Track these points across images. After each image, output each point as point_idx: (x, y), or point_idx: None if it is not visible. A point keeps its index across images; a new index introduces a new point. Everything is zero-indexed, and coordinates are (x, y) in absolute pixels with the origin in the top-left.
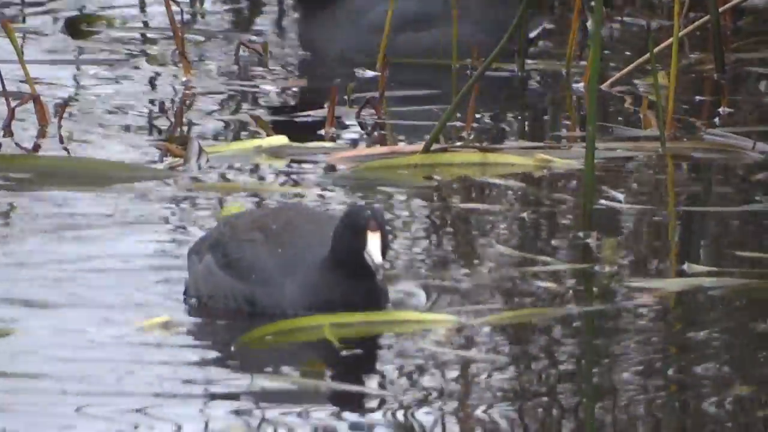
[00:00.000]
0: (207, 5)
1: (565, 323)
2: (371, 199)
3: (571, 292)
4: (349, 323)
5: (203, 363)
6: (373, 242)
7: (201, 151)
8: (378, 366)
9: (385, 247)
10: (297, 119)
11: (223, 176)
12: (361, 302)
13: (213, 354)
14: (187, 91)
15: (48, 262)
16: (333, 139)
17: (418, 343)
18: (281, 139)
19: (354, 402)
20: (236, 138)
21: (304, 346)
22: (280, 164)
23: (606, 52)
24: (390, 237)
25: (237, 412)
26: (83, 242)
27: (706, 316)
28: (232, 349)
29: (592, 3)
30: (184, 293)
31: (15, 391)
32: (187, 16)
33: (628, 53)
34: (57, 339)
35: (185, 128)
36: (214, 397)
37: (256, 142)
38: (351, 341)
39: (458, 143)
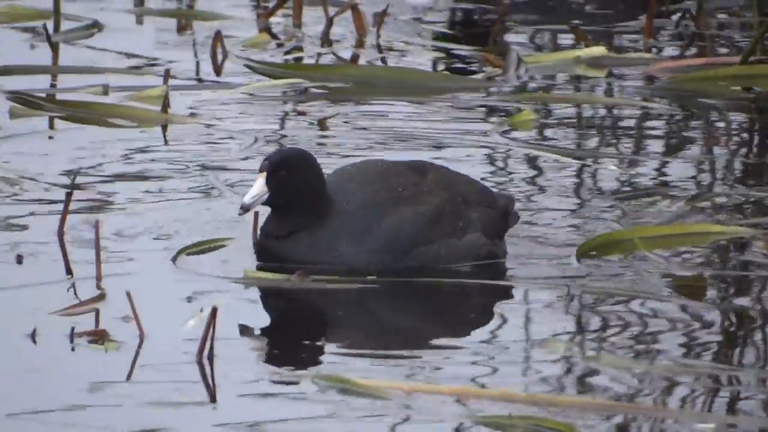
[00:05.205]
0: None
1: None
2: (688, 109)
3: None
4: (656, 236)
5: None
6: (255, 183)
7: (520, 61)
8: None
9: (278, 192)
10: (615, 30)
11: (545, 87)
12: (293, 251)
13: None
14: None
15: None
16: (650, 50)
17: (729, 254)
18: (600, 50)
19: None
20: (555, 49)
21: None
22: (599, 74)
23: None
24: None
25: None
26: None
27: None
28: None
29: None
30: None
31: None
32: None
33: None
34: None
35: (503, 37)
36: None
37: (576, 52)
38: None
39: None
